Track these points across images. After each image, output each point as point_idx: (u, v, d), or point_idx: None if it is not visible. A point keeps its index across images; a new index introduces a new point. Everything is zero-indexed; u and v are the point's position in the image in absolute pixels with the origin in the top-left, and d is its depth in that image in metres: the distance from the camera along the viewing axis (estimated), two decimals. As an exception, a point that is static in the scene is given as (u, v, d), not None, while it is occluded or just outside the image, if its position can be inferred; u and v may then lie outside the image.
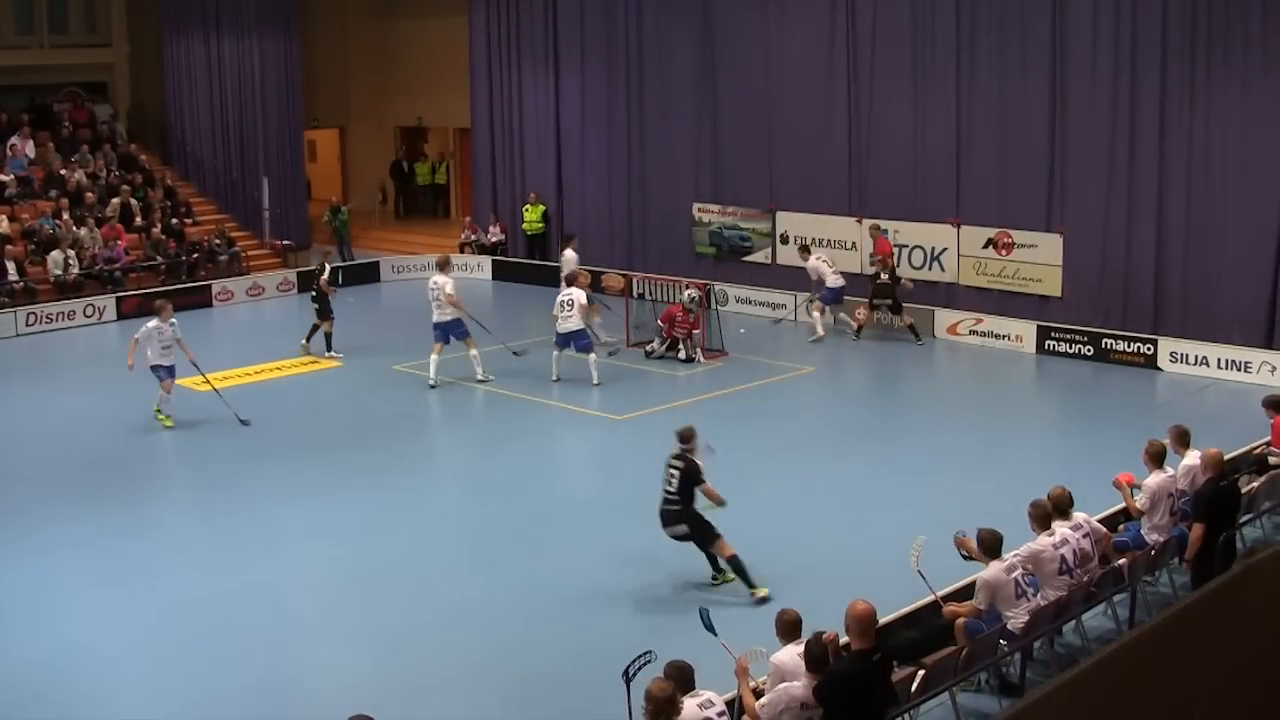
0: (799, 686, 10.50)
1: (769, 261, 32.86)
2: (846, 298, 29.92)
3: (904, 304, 28.93)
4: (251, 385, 25.85)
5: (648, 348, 27.72)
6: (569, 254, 31.40)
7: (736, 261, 33.86)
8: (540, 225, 37.69)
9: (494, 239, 38.93)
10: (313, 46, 43.55)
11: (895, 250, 30.13)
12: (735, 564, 15.64)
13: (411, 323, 30.98)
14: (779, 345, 29.05)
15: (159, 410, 23.15)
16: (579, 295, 25.55)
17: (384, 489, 19.89)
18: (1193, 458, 15.57)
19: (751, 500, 19.15)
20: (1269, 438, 18.28)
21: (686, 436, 16.39)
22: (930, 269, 30.26)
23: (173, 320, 23.28)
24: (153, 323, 23.10)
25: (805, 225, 32.09)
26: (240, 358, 27.80)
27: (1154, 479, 15.09)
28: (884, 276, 29.05)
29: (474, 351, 25.80)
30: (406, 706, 13.01)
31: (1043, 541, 13.22)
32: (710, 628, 11.58)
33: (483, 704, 13.32)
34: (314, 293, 29.07)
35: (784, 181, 32.80)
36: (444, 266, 26.38)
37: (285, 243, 38.90)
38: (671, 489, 16.06)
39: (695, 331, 27.63)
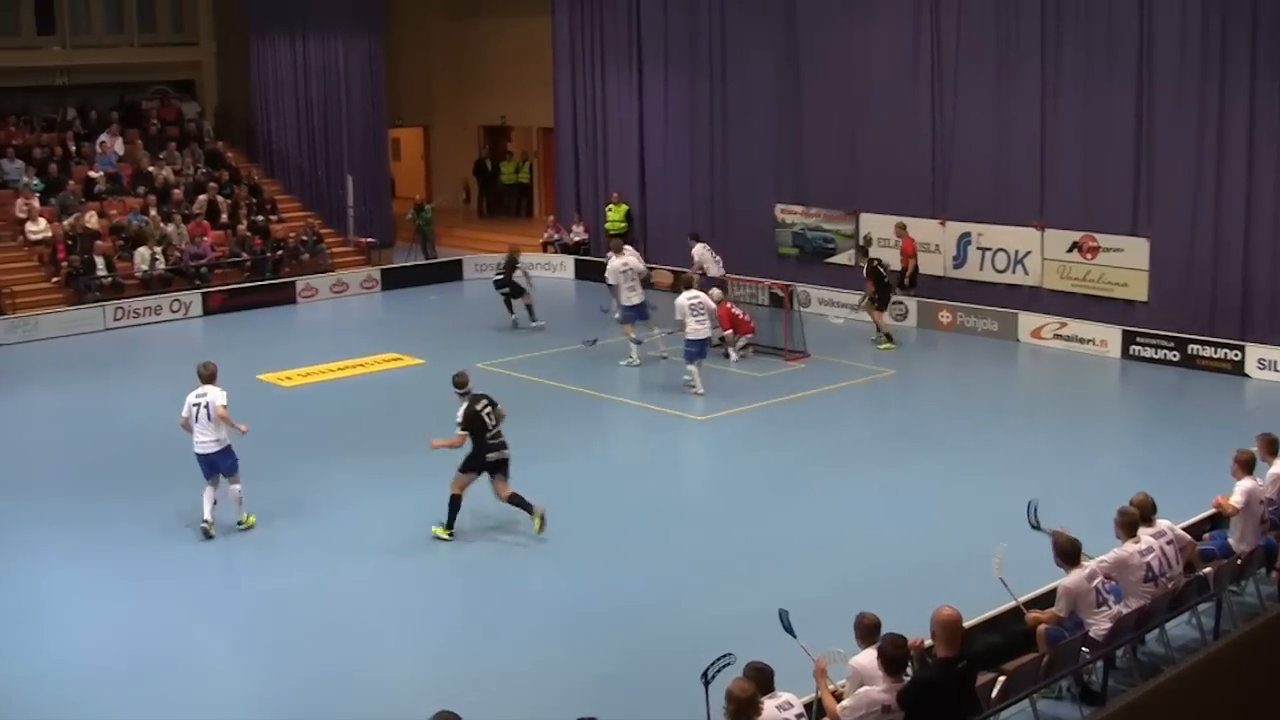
0: (880, 690, 10.45)
1: (852, 263, 32.73)
2: (925, 298, 29.79)
3: (889, 301, 29.58)
4: (334, 382, 26.03)
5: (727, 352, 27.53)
6: (701, 250, 31.28)
7: (819, 263, 33.74)
8: (623, 224, 37.67)
9: (577, 238, 38.98)
10: (397, 46, 43.84)
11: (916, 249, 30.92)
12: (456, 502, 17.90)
13: (494, 320, 31.14)
14: (861, 348, 28.92)
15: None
16: (708, 300, 25.22)
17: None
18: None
19: (833, 503, 19.15)
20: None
21: (463, 379, 18.57)
22: (1013, 272, 30.04)
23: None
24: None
25: (888, 227, 31.92)
26: (323, 354, 27.99)
27: (1242, 487, 14.90)
28: (883, 274, 29.46)
29: (656, 330, 27.40)
30: (483, 705, 13.04)
31: (1129, 549, 13.10)
32: (789, 629, 11.54)
33: (559, 703, 13.30)
34: (499, 277, 30.63)
35: (867, 183, 32.64)
36: (619, 250, 28.39)
37: (369, 240, 39.15)
38: (492, 424, 18.04)
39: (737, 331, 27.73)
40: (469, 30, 45.74)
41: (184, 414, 17.80)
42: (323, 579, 16.63)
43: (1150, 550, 13.17)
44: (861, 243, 31.56)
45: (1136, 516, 13.35)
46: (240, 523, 17.84)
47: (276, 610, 15.71)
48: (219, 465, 17.86)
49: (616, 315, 28.30)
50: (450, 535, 17.73)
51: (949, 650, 10.42)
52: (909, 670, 10.60)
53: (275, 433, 22.80)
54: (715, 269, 30.41)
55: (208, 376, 18.00)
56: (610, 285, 28.69)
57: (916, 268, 30.72)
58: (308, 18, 39.78)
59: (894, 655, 10.46)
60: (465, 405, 17.99)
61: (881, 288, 29.08)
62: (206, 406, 17.70)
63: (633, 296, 27.56)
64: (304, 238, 36.75)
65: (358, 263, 37.94)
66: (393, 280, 36.50)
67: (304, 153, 40.30)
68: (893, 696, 10.32)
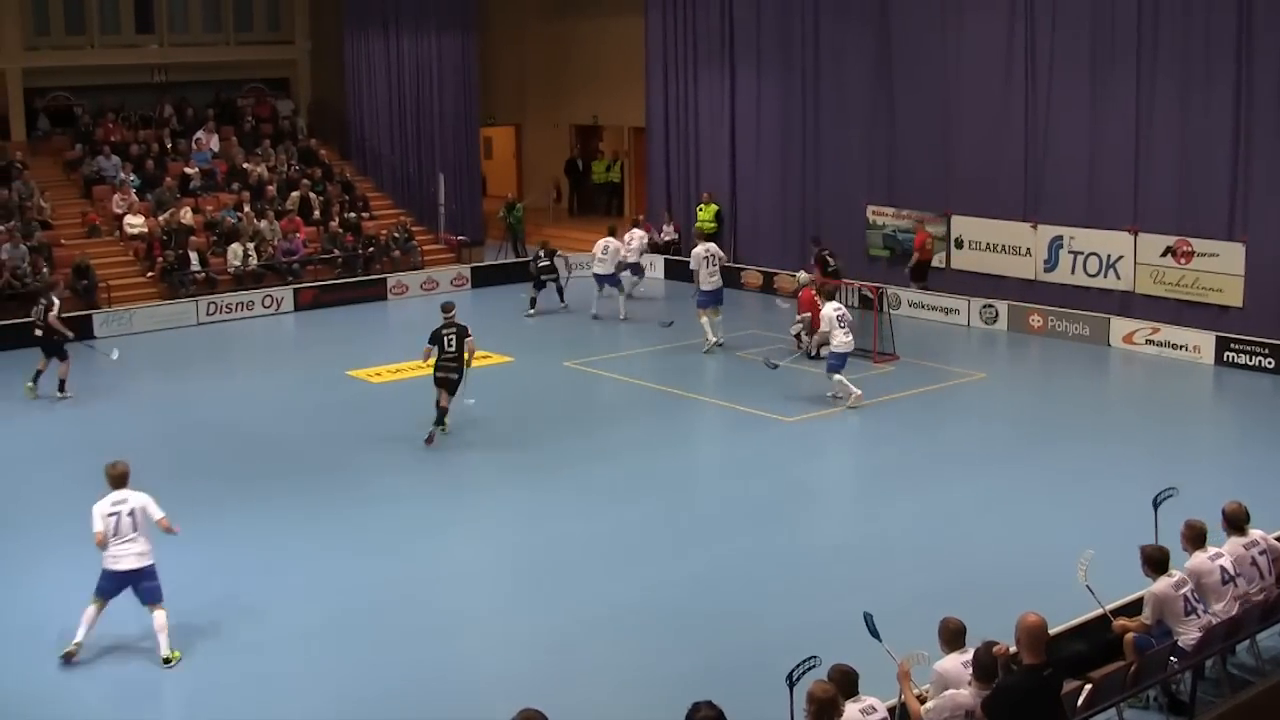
0: (966, 695, 10.38)
1: (943, 266, 32.55)
2: (1016, 301, 29.63)
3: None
4: (422, 379, 26.13)
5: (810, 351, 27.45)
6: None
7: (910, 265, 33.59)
8: (713, 225, 37.61)
9: (667, 238, 38.96)
10: (490, 45, 44.11)
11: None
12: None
13: (582, 320, 31.28)
14: (950, 350, 28.76)
15: None
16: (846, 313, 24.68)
17: (549, 486, 20.02)
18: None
19: (922, 508, 19.06)
20: None
21: (448, 307, 22.38)
22: (1105, 276, 29.77)
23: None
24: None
25: (980, 230, 31.77)
26: (413, 351, 28.05)
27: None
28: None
29: (719, 317, 28.67)
30: (570, 705, 13.06)
31: (1198, 558, 12.96)
32: (875, 633, 11.50)
33: (644, 703, 13.32)
34: (545, 264, 32.62)
35: (958, 185, 32.46)
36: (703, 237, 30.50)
37: (460, 238, 39.35)
38: (451, 349, 21.79)
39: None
40: (562, 29, 45.84)
41: (98, 528, 14.20)
42: (410, 573, 16.71)
43: (1219, 555, 13.05)
44: (815, 234, 33.57)
45: (1203, 529, 13.17)
46: (166, 660, 14.23)
47: (364, 601, 15.80)
48: (139, 587, 14.43)
49: (694, 297, 29.42)
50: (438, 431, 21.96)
51: (1034, 657, 10.31)
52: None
53: (361, 428, 23.03)
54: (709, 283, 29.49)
55: (118, 478, 14.49)
56: (691, 270, 29.53)
57: (927, 262, 31.67)
58: (402, 15, 40.03)
59: (987, 661, 10.40)
60: (437, 327, 21.89)
61: (827, 277, 29.69)
62: (131, 514, 14.32)
63: (712, 282, 28.68)
64: (395, 235, 36.97)
65: (448, 260, 38.16)
66: (482, 278, 36.65)
67: (396, 150, 40.57)
68: (978, 702, 10.26)
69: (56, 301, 25.29)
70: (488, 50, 43.55)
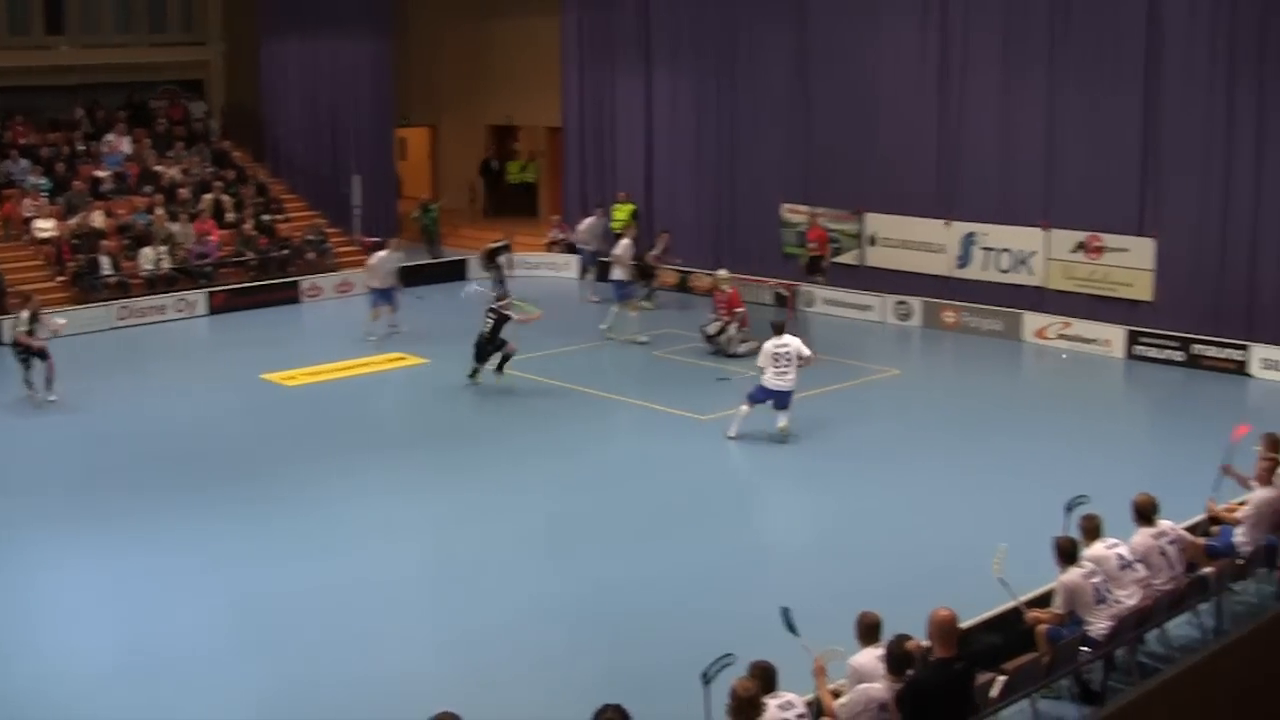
0: (879, 688, 10.47)
1: (857, 263, 32.75)
2: (930, 298, 29.81)
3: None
4: (337, 381, 26.07)
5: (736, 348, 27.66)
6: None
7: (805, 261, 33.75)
8: (629, 224, 37.65)
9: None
10: (405, 46, 43.90)
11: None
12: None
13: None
14: (865, 347, 28.94)
15: None
16: (800, 349, 22.42)
17: (462, 488, 19.96)
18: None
19: (837, 504, 19.18)
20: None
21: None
22: (1018, 272, 30.07)
23: None
24: None
25: (893, 227, 32.01)
26: (328, 354, 28.02)
27: (1262, 494, 14.92)
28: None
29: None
30: (482, 705, 13.05)
31: (1095, 547, 13.22)
32: (792, 628, 11.55)
33: (558, 703, 13.31)
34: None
35: (872, 183, 32.67)
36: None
37: (374, 239, 39.07)
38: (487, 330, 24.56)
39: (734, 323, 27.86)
40: (478, 30, 45.66)
41: None
42: (318, 582, 16.59)
43: (1117, 543, 13.32)
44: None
45: (1099, 523, 13.42)
46: None
47: (275, 611, 15.69)
48: None
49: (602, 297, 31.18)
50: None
51: (946, 650, 10.43)
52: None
53: (277, 432, 22.92)
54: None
55: None
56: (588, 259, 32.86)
57: (821, 258, 32.16)
58: (318, 17, 39.70)
59: (898, 654, 10.50)
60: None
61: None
62: None
63: (624, 275, 30.17)
64: (310, 237, 36.76)
65: (363, 262, 37.89)
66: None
67: (310, 152, 40.31)
68: (892, 695, 10.35)
69: None
70: (403, 51, 43.36)
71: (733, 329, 27.92)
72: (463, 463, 21.22)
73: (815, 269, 32.48)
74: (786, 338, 22.36)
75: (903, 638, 10.66)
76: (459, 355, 26.03)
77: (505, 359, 25.20)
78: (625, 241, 30.85)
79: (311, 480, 20.39)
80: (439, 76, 46.71)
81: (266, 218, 36.95)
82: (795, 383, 22.18)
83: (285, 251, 36.00)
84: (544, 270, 36.43)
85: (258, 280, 34.78)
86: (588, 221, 36.82)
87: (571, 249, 38.39)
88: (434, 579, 16.94)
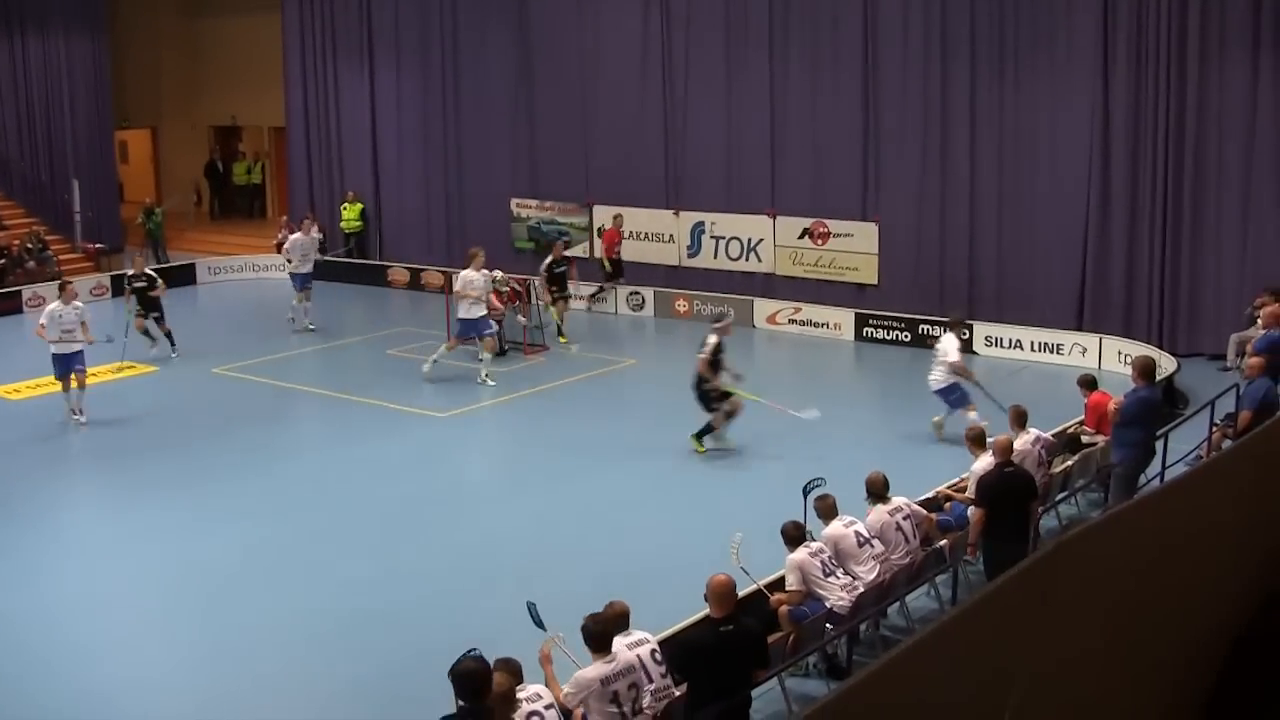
0: (591, 670, 10.57)
1: (587, 255, 32.93)
2: (661, 288, 30.15)
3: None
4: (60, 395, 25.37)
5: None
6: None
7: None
8: (358, 223, 37.43)
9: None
10: (122, 45, 42.85)
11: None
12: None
13: (228, 325, 30.72)
14: (599, 338, 29.11)
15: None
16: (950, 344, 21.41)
17: (204, 495, 19.54)
18: (1025, 440, 15.90)
19: (579, 495, 19.24)
20: (1082, 417, 18.77)
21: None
22: (747, 260, 30.57)
23: (77, 304, 23.03)
24: (53, 304, 22.66)
25: (623, 219, 32.27)
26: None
27: (979, 464, 15.37)
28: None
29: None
30: (234, 712, 12.87)
31: (833, 526, 13.68)
32: (539, 622, 11.58)
33: (312, 708, 13.21)
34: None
35: (600, 176, 32.94)
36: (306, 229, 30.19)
37: (98, 246, 38.19)
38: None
39: (520, 317, 27.69)
40: (196, 28, 44.93)
41: None
42: (58, 597, 16.14)
43: (854, 522, 13.74)
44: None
45: (833, 502, 13.88)
46: None
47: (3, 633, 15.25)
48: None
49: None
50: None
51: (719, 612, 10.60)
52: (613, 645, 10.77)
53: (11, 445, 22.23)
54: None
55: None
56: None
57: (617, 258, 31.83)
58: (26, 15, 38.53)
59: (591, 629, 10.70)
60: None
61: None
62: None
63: (302, 266, 29.87)
64: (29, 245, 35.69)
65: (87, 270, 36.96)
66: (123, 286, 35.53)
67: (26, 156, 39.06)
68: (605, 671, 10.45)
69: None
70: (119, 50, 42.30)
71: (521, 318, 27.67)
72: (199, 469, 20.71)
73: (618, 271, 32.10)
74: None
75: (593, 615, 10.86)
76: (188, 363, 25.57)
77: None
78: (474, 275, 25.45)
79: (37, 493, 19.72)
80: (158, 77, 45.81)
81: (-18, 226, 35.79)
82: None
83: (3, 261, 34.88)
84: (274, 272, 35.85)
85: (-26, 290, 33.70)
86: (294, 238, 31.00)
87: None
88: (169, 592, 16.51)
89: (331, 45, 38.34)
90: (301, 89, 39.31)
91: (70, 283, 23.33)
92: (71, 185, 38.39)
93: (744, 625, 10.84)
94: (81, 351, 22.92)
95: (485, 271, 25.75)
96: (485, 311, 25.29)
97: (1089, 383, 18.87)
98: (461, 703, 9.43)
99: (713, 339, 20.66)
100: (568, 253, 29.67)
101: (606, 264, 31.85)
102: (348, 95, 38.26)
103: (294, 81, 39.50)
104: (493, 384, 24.89)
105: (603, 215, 32.79)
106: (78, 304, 23.15)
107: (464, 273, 25.42)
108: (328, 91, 38.72)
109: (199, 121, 46.47)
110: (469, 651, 10.48)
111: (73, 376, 22.88)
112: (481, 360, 25.28)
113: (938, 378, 20.93)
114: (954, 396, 20.77)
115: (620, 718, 10.50)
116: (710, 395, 20.57)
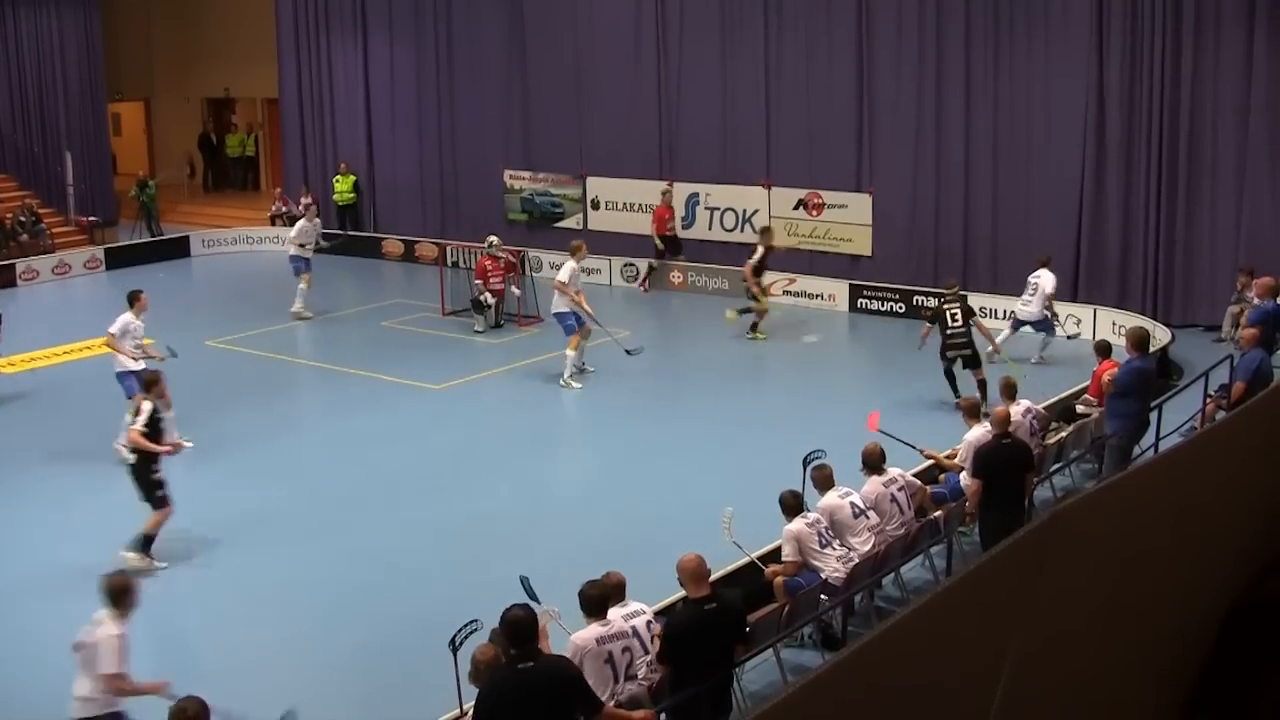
0: (586, 630, 10.63)
1: (580, 227, 32.90)
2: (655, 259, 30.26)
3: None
4: (58, 367, 25.35)
5: (476, 329, 27.37)
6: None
7: (548, 228, 33.89)
8: (351, 195, 37.37)
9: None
10: (115, 16, 42.72)
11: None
12: None
13: (223, 298, 30.68)
14: (595, 309, 29.03)
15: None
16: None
17: (200, 467, 19.54)
18: (1015, 411, 15.94)
19: (575, 467, 19.29)
20: (1088, 384, 18.86)
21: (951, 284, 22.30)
22: (742, 231, 30.55)
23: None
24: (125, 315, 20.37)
25: (616, 190, 32.27)
26: (50, 338, 27.20)
27: (972, 434, 15.43)
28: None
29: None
30: (233, 681, 12.89)
31: (829, 496, 13.73)
32: (533, 595, 11.59)
33: (311, 677, 13.25)
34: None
35: (594, 147, 32.90)
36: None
37: (91, 219, 38.13)
38: (957, 324, 20.78)
39: (514, 288, 27.66)
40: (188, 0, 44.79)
41: None
42: (36, 573, 16.14)
43: (849, 493, 13.78)
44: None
45: (830, 473, 13.90)
46: None
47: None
48: None
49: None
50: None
51: (698, 592, 10.61)
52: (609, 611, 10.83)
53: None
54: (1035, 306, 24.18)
55: None
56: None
57: (670, 235, 31.39)
58: (18, -12, 38.47)
59: (590, 594, 10.77)
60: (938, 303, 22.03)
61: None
62: None
63: (304, 252, 28.92)
64: (22, 218, 35.61)
65: (80, 243, 36.93)
66: (117, 259, 35.52)
67: (18, 129, 38.94)
68: (600, 631, 10.54)
69: None
70: (112, 22, 42.15)
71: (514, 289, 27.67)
72: (198, 440, 20.72)
73: (673, 248, 31.54)
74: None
75: (592, 581, 10.92)
76: (182, 335, 25.49)
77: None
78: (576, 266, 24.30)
79: (38, 468, 19.76)
80: (151, 49, 45.68)
81: (-27, 200, 35.72)
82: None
83: (-4, 234, 34.86)
84: (269, 245, 35.79)
85: (-32, 264, 33.66)
86: (300, 225, 30.09)
87: (294, 221, 37.81)
88: (175, 556, 16.55)
89: (324, 17, 38.23)
90: (295, 61, 39.19)
91: (142, 292, 20.88)
92: (64, 158, 38.30)
93: (726, 600, 10.91)
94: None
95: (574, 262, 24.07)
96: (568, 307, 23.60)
97: (1104, 349, 18.83)
98: (512, 650, 9.46)
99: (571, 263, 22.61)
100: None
101: (659, 241, 31.36)
102: (341, 67, 38.16)
103: (287, 53, 39.37)
104: (577, 386, 23.41)
105: (596, 186, 32.76)
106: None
107: (569, 264, 23.88)
108: (321, 63, 38.61)
109: (192, 94, 46.35)
110: (470, 623, 10.56)
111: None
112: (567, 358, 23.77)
113: (1033, 311, 23.55)
114: (1046, 326, 23.52)
115: (614, 679, 10.55)
116: None
